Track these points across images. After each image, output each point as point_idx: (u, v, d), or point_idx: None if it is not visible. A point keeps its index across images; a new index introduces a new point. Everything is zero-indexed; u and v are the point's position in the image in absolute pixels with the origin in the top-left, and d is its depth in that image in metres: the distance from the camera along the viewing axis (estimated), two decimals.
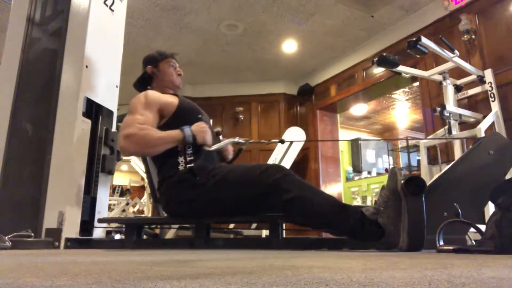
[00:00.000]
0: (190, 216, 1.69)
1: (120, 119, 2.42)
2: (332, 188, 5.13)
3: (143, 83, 1.96)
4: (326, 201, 1.42)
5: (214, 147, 1.71)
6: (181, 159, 1.65)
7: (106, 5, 2.28)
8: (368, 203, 5.73)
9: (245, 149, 1.92)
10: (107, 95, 2.25)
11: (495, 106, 2.89)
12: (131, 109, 1.72)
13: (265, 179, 1.48)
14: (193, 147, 1.68)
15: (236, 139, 1.79)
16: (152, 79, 1.94)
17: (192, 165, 1.64)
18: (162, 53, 1.97)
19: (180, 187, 1.62)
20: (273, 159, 4.35)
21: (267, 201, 1.49)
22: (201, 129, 1.66)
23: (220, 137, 1.90)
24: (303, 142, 4.74)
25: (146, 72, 1.93)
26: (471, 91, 3.04)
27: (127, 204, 6.27)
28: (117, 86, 2.34)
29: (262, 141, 1.98)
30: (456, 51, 2.78)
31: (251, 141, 1.89)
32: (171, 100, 1.80)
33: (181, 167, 1.64)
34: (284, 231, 1.73)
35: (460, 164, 1.55)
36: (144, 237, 2.10)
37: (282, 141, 2.16)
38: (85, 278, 0.55)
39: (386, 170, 6.53)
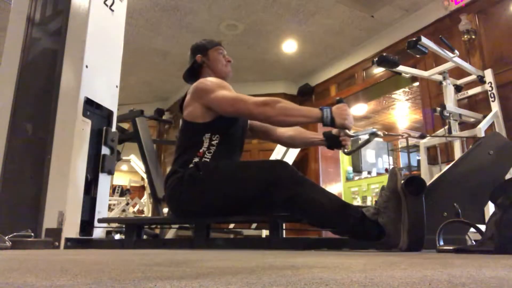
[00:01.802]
0: (192, 212, 1.67)
1: (120, 119, 2.43)
2: (332, 188, 5.13)
3: (193, 73, 1.89)
4: (328, 199, 1.41)
5: (354, 133, 1.60)
6: (196, 159, 1.63)
7: (106, 5, 2.28)
8: (368, 203, 5.72)
9: (372, 140, 1.77)
10: (107, 95, 2.25)
11: (495, 106, 2.89)
12: (223, 87, 1.68)
13: (268, 175, 1.48)
14: (215, 153, 1.65)
15: (375, 130, 1.65)
16: (202, 69, 1.87)
17: (198, 160, 1.62)
18: (211, 41, 1.93)
19: (183, 182, 1.61)
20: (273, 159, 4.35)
21: (269, 197, 1.48)
22: (343, 112, 1.54)
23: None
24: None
25: (196, 62, 1.87)
26: (471, 91, 3.04)
27: (127, 204, 6.28)
28: (117, 86, 2.34)
29: (399, 134, 1.86)
30: (456, 51, 2.78)
31: (389, 133, 1.79)
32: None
33: (191, 165, 1.63)
34: (284, 231, 1.73)
35: (460, 164, 1.55)
36: (144, 237, 2.10)
37: (423, 136, 2.03)
38: (85, 278, 0.55)
39: (386, 170, 6.53)
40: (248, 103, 1.58)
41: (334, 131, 1.69)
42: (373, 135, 1.64)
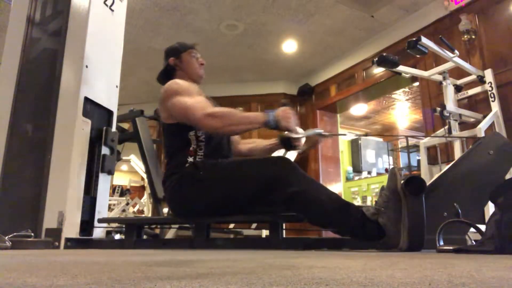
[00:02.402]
0: (193, 211, 1.67)
1: (120, 119, 2.43)
2: (332, 188, 5.12)
3: (166, 76, 1.92)
4: (329, 197, 1.41)
5: (299, 135, 1.64)
6: (190, 159, 1.65)
7: (106, 5, 2.28)
8: (368, 203, 5.72)
9: (323, 141, 1.83)
10: (107, 95, 2.25)
11: (495, 106, 2.89)
12: (181, 90, 1.68)
13: (269, 171, 1.47)
14: (206, 148, 1.67)
15: (320, 131, 1.73)
16: (175, 71, 1.91)
17: (192, 158, 1.63)
18: (184, 44, 1.95)
19: (184, 182, 1.62)
20: None
21: (270, 195, 1.47)
22: (287, 114, 1.56)
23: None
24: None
25: (169, 64, 1.91)
26: (471, 91, 3.04)
27: (127, 204, 6.27)
28: (117, 86, 2.34)
29: (343, 133, 1.94)
30: (456, 51, 2.78)
31: (333, 133, 1.85)
32: (201, 92, 1.78)
33: (187, 165, 1.64)
34: (284, 231, 1.73)
35: (460, 164, 1.55)
36: (144, 237, 2.10)
37: (366, 134, 2.10)
38: (85, 278, 0.55)
39: (386, 170, 6.53)
40: (197, 114, 1.59)
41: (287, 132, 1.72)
42: (319, 135, 1.73)
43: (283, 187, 1.43)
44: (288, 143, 1.71)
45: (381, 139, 7.14)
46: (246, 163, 1.62)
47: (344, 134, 2.16)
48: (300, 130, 1.67)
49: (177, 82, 1.74)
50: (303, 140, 1.75)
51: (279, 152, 3.84)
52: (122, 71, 2.40)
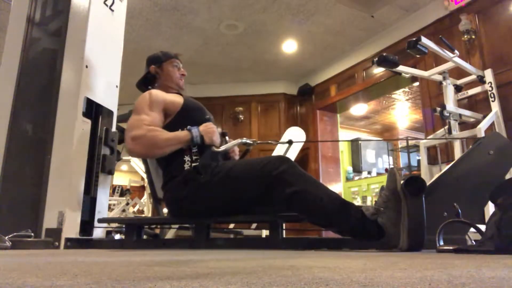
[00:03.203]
0: (194, 214, 1.68)
1: (120, 119, 2.42)
2: (332, 188, 5.12)
3: (146, 83, 1.96)
4: (329, 197, 1.41)
5: (222, 148, 1.71)
6: (187, 158, 1.66)
7: (106, 5, 2.28)
8: (368, 203, 5.73)
9: (251, 149, 1.91)
10: (107, 95, 2.25)
11: (495, 106, 2.89)
12: (137, 109, 1.71)
13: (269, 171, 1.47)
14: (198, 147, 1.68)
15: (244, 140, 1.79)
16: (155, 79, 1.94)
17: (197, 164, 1.64)
18: (166, 53, 1.97)
19: (184, 186, 1.62)
20: None
21: (270, 194, 1.47)
22: (209, 130, 1.65)
23: (227, 138, 1.90)
24: (302, 143, 4.73)
25: (149, 72, 1.94)
26: (471, 91, 3.04)
27: (127, 204, 6.27)
28: (117, 86, 2.34)
29: (269, 141, 1.98)
30: (456, 51, 2.78)
31: (258, 142, 1.89)
32: (176, 99, 1.80)
33: (187, 166, 1.65)
34: (284, 231, 1.73)
35: (460, 164, 1.55)
36: (144, 237, 2.10)
37: (290, 142, 2.16)
38: (85, 278, 0.55)
39: (386, 170, 6.53)
40: (126, 137, 1.62)
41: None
42: (243, 144, 1.80)
43: (283, 186, 1.43)
44: (224, 155, 1.81)
45: (381, 139, 7.14)
46: (247, 164, 1.63)
47: (270, 142, 2.21)
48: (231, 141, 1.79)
49: (144, 96, 1.76)
50: (236, 151, 1.88)
51: (280, 152, 3.84)
52: (122, 71, 2.40)
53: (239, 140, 1.78)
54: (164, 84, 1.92)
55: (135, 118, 1.68)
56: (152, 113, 1.69)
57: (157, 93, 1.79)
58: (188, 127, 1.65)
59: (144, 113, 1.68)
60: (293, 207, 1.47)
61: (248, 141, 1.80)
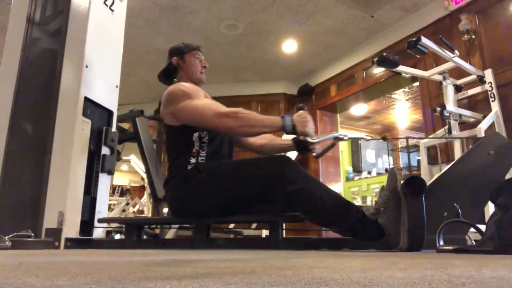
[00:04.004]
0: (194, 213, 1.67)
1: (120, 119, 2.43)
2: (332, 188, 5.12)
3: (167, 75, 1.92)
4: (330, 196, 1.41)
5: (316, 139, 1.62)
6: (192, 160, 1.64)
7: (106, 5, 2.28)
8: (368, 203, 5.73)
9: (335, 145, 1.79)
10: (107, 95, 2.25)
11: (495, 106, 2.89)
12: (188, 93, 1.67)
13: (271, 170, 1.47)
14: (208, 149, 1.66)
15: (337, 134, 1.71)
16: (177, 71, 1.90)
17: (195, 160, 1.63)
18: (189, 44, 1.94)
19: (184, 184, 1.61)
20: None
21: (271, 193, 1.46)
22: (303, 119, 1.57)
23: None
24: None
25: (171, 64, 1.89)
26: (471, 91, 3.04)
27: (127, 204, 6.27)
28: (117, 86, 2.34)
29: (363, 138, 1.89)
30: (456, 51, 2.78)
31: (350, 138, 1.82)
32: (206, 94, 1.78)
33: (189, 167, 1.64)
34: (284, 231, 1.73)
35: (460, 164, 1.55)
36: (144, 237, 2.10)
37: (385, 138, 2.05)
38: (85, 278, 0.55)
39: (386, 170, 6.53)
40: (209, 115, 1.58)
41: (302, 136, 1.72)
42: (336, 139, 1.69)
43: (284, 185, 1.43)
44: (303, 147, 1.70)
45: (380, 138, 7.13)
46: (247, 163, 1.62)
47: (363, 138, 2.10)
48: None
49: (183, 85, 1.73)
50: (317, 145, 1.72)
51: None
52: (122, 71, 2.40)
53: (333, 134, 1.70)
54: (186, 76, 1.87)
55: (200, 102, 1.63)
56: (207, 99, 1.67)
57: (193, 86, 1.76)
58: (281, 115, 1.60)
59: (201, 98, 1.66)
60: (293, 206, 1.47)
61: (340, 136, 1.70)
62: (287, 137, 1.83)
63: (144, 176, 5.00)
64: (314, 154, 1.73)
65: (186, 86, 1.73)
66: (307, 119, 1.57)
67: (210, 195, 1.58)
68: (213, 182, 1.57)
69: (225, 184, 1.57)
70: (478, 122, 2.81)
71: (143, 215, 5.96)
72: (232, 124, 1.56)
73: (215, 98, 1.84)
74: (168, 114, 1.72)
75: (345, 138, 1.70)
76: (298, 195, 1.41)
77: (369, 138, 1.86)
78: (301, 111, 1.59)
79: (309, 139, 1.59)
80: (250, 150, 1.98)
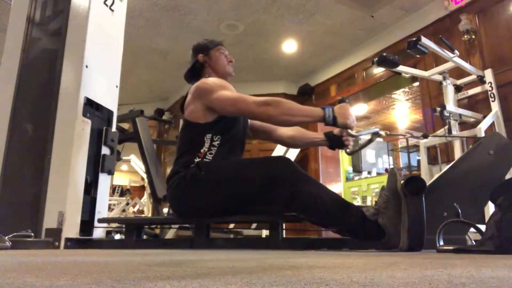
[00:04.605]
0: (195, 211, 1.67)
1: (120, 119, 2.43)
2: (332, 188, 5.12)
3: (194, 73, 1.90)
4: (329, 197, 1.41)
5: (356, 133, 1.60)
6: (197, 160, 1.63)
7: (106, 5, 2.28)
8: (368, 203, 5.72)
9: (374, 140, 1.75)
10: (107, 95, 2.25)
11: (495, 106, 2.89)
12: (221, 85, 1.68)
13: (270, 171, 1.47)
14: (216, 153, 1.65)
15: (377, 130, 1.66)
16: (203, 68, 1.88)
17: (200, 160, 1.62)
18: (212, 40, 1.94)
19: (185, 182, 1.61)
20: None
21: (270, 194, 1.47)
22: (345, 111, 1.54)
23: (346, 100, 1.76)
24: None
25: (197, 61, 1.87)
26: (471, 91, 3.04)
27: (127, 204, 6.28)
28: (117, 86, 2.34)
29: (401, 134, 1.86)
30: (456, 51, 2.78)
31: (390, 133, 1.79)
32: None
33: (192, 166, 1.63)
34: (284, 231, 1.73)
35: (460, 164, 1.55)
36: (144, 237, 2.10)
37: (426, 135, 2.06)
38: (85, 278, 0.55)
39: (386, 170, 6.52)
40: (250, 102, 1.59)
41: (336, 131, 1.69)
42: (376, 134, 1.64)
43: (283, 186, 1.43)
44: (336, 142, 1.68)
45: (381, 139, 7.14)
46: (247, 163, 1.62)
47: (403, 135, 2.08)
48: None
49: (213, 80, 1.73)
50: (351, 141, 1.70)
51: (279, 152, 3.83)
52: (122, 71, 2.40)
53: (373, 129, 1.66)
54: (214, 72, 1.86)
55: (236, 94, 1.65)
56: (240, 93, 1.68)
57: (223, 80, 1.77)
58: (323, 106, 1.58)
59: (233, 90, 1.68)
60: (293, 207, 1.47)
61: (380, 132, 1.65)
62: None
63: (144, 176, 5.00)
64: (347, 150, 1.70)
65: (216, 79, 1.74)
66: (349, 111, 1.54)
67: (209, 193, 1.58)
68: (212, 181, 1.57)
69: (224, 183, 1.57)
70: (478, 122, 2.81)
71: (143, 215, 5.96)
72: (273, 112, 1.55)
73: None
74: (195, 107, 1.70)
75: (384, 134, 1.67)
76: (297, 196, 1.41)
77: (404, 135, 1.83)
78: (342, 103, 1.57)
79: (349, 132, 1.56)
80: (280, 143, 1.97)
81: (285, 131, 1.90)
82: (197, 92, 1.70)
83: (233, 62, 1.92)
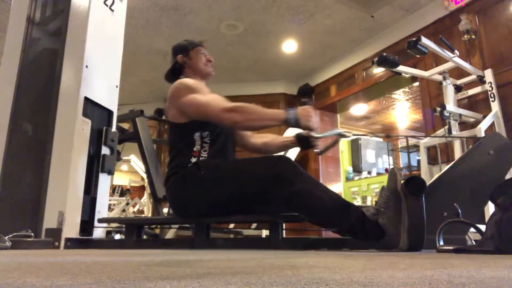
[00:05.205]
0: (195, 211, 1.67)
1: (120, 119, 2.43)
2: (332, 188, 5.12)
3: (174, 74, 1.92)
4: (329, 197, 1.41)
5: (320, 134, 1.62)
6: (193, 159, 1.65)
7: (106, 5, 2.28)
8: (368, 203, 5.72)
9: (339, 141, 1.78)
10: (107, 95, 2.25)
11: (495, 106, 2.89)
12: (193, 88, 1.68)
13: (270, 170, 1.47)
14: (210, 150, 1.67)
15: (341, 131, 1.70)
16: (183, 68, 1.90)
17: (198, 160, 1.63)
18: (192, 41, 1.95)
19: (184, 182, 1.62)
20: None
21: (270, 194, 1.47)
22: (308, 113, 1.56)
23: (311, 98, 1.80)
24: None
25: (177, 62, 1.90)
26: (471, 91, 3.04)
27: (127, 204, 6.27)
28: (117, 86, 2.34)
29: (367, 134, 1.89)
30: (456, 51, 2.78)
31: (355, 134, 1.82)
32: (210, 90, 1.79)
33: (190, 165, 1.64)
34: (284, 231, 1.73)
35: (460, 164, 1.55)
36: (144, 237, 2.10)
37: (388, 136, 2.06)
38: (85, 278, 0.55)
39: (386, 170, 6.52)
40: (215, 108, 1.60)
41: (304, 132, 1.71)
42: (340, 135, 1.68)
43: (283, 186, 1.43)
44: (306, 143, 1.71)
45: (381, 139, 7.14)
46: (247, 163, 1.62)
47: (365, 135, 2.10)
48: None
49: (188, 81, 1.75)
50: (321, 141, 1.72)
51: (279, 154, 3.83)
52: (122, 71, 2.40)
53: (336, 130, 1.69)
54: (193, 72, 1.88)
55: (205, 97, 1.64)
56: (212, 94, 1.69)
57: (197, 82, 1.77)
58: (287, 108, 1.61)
59: (206, 92, 1.68)
60: (293, 207, 1.47)
61: (345, 133, 1.69)
62: (290, 134, 1.83)
63: (144, 176, 5.00)
64: (316, 150, 1.72)
65: (190, 81, 1.74)
66: (311, 113, 1.55)
67: (208, 192, 1.58)
68: (212, 180, 1.58)
69: (224, 183, 1.57)
70: (478, 122, 2.81)
71: (143, 215, 5.96)
72: (239, 118, 1.56)
73: None
74: (172, 110, 1.73)
75: (349, 135, 1.70)
76: (297, 197, 1.41)
77: (371, 135, 1.86)
78: (305, 106, 1.59)
79: (312, 134, 1.58)
80: (253, 151, 1.99)
81: (257, 140, 1.95)
82: (170, 95, 1.73)
83: (213, 62, 1.95)
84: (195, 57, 1.90)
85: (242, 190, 1.54)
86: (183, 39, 1.99)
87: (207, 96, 1.67)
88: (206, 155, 1.66)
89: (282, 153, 3.69)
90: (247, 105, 1.59)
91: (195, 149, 1.67)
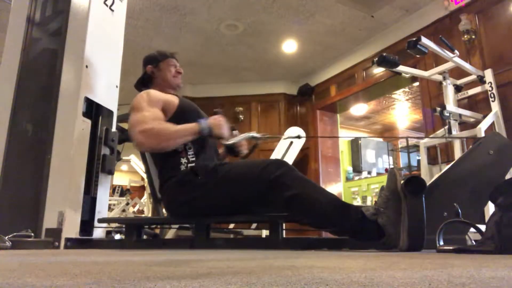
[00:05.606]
0: (192, 215, 1.68)
1: (120, 119, 2.42)
2: (332, 188, 5.13)
3: (143, 83, 1.97)
4: (327, 199, 1.41)
5: (230, 141, 1.68)
6: (183, 160, 1.66)
7: (106, 5, 2.28)
8: (368, 203, 5.72)
9: (260, 144, 1.87)
10: (107, 95, 2.25)
11: (495, 106, 2.89)
12: (137, 106, 1.70)
13: (266, 175, 1.47)
14: (194, 147, 1.68)
15: (252, 134, 1.77)
16: (152, 79, 1.95)
17: (193, 164, 1.64)
18: (162, 53, 1.98)
19: (181, 187, 1.62)
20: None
21: (268, 198, 1.47)
22: (218, 122, 1.64)
23: (235, 132, 1.86)
24: (303, 142, 4.73)
25: (146, 72, 1.95)
26: (471, 91, 3.04)
27: (127, 204, 6.27)
28: (117, 86, 2.34)
29: (278, 135, 1.96)
30: (456, 51, 2.78)
31: (267, 136, 1.86)
32: (172, 99, 1.80)
33: (183, 167, 1.65)
34: (284, 231, 1.73)
35: (460, 164, 1.55)
36: (144, 237, 2.10)
37: (299, 136, 2.14)
38: (85, 278, 0.55)
39: (386, 170, 6.53)
40: (136, 131, 1.61)
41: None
42: (253, 138, 1.76)
43: (281, 190, 1.43)
44: (232, 150, 1.79)
45: (381, 139, 7.14)
46: (244, 167, 1.62)
47: (279, 137, 2.17)
48: (238, 135, 1.76)
49: (141, 95, 1.76)
50: (244, 146, 1.83)
51: (279, 154, 3.83)
52: (122, 71, 2.40)
53: (247, 134, 1.75)
54: (161, 84, 1.92)
55: (137, 115, 1.67)
56: (154, 109, 1.69)
57: (154, 92, 1.79)
58: (197, 120, 1.65)
59: (145, 110, 1.68)
60: (291, 210, 1.47)
61: (256, 135, 1.77)
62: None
63: (144, 176, 5.00)
64: (241, 155, 1.82)
65: (143, 95, 1.75)
66: (222, 122, 1.65)
67: (207, 197, 1.58)
68: (210, 185, 1.58)
69: (222, 188, 1.57)
70: (478, 122, 2.81)
71: (143, 215, 5.96)
72: (152, 142, 1.60)
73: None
74: None
75: (261, 137, 1.77)
76: (295, 200, 1.41)
77: (284, 137, 1.93)
78: (216, 115, 1.68)
79: (224, 142, 1.67)
80: None
81: None
82: (131, 106, 1.75)
83: (182, 74, 1.98)
84: (165, 68, 1.93)
85: (240, 195, 1.55)
86: (156, 50, 2.02)
87: (145, 115, 1.66)
88: (192, 152, 1.68)
89: (280, 156, 3.69)
90: (159, 127, 1.61)
91: (180, 149, 1.68)
